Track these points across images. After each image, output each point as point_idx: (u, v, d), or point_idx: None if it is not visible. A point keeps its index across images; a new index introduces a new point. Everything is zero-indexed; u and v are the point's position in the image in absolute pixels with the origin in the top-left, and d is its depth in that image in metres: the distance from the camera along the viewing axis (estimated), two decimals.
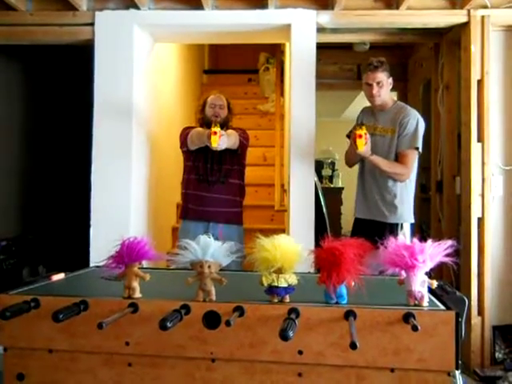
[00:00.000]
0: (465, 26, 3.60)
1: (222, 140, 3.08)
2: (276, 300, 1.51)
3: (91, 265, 2.34)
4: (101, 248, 3.42)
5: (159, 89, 4.45)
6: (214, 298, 1.53)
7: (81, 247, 3.54)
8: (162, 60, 4.67)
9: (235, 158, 3.49)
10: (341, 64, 5.07)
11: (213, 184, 3.46)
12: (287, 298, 1.52)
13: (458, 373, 1.46)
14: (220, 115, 3.53)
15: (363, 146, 3.00)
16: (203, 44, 6.92)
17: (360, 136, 3.00)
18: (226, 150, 3.32)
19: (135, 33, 3.62)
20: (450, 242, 1.55)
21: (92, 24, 3.62)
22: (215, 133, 3.02)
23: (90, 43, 3.64)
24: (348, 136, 3.34)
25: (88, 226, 3.54)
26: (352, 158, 3.37)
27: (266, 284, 1.51)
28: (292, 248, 1.53)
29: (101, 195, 3.55)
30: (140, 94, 3.71)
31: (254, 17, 3.59)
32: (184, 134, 3.50)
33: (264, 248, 1.51)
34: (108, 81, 3.58)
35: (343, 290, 1.51)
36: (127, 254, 1.58)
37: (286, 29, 3.60)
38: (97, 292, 1.70)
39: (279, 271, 1.50)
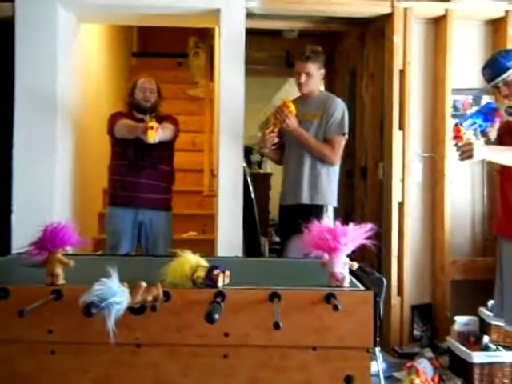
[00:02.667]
0: (388, 17, 3.72)
1: (157, 134, 3.05)
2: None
3: (13, 252, 2.26)
4: (23, 235, 3.32)
5: (85, 71, 4.32)
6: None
7: (1, 234, 3.40)
8: (88, 41, 4.53)
9: (166, 144, 3.46)
10: (270, 50, 5.10)
11: (142, 169, 3.42)
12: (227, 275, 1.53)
13: (377, 350, 1.54)
14: (150, 100, 3.50)
15: (293, 113, 3.13)
16: (132, 26, 6.76)
17: (287, 106, 3.14)
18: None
19: (59, 12, 3.48)
20: (370, 226, 1.62)
21: (12, 0, 3.45)
22: (152, 127, 3.00)
23: (10, 20, 3.46)
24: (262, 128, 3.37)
25: (9, 212, 3.41)
26: (263, 141, 3.34)
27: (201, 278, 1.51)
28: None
29: (23, 181, 3.42)
30: (64, 77, 3.58)
31: (182, 0, 3.55)
32: (112, 122, 3.44)
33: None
34: (30, 64, 3.44)
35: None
36: (50, 240, 1.54)
37: (215, 13, 3.59)
38: (18, 279, 1.65)
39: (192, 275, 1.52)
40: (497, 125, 2.63)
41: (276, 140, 3.27)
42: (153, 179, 3.45)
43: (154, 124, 3.02)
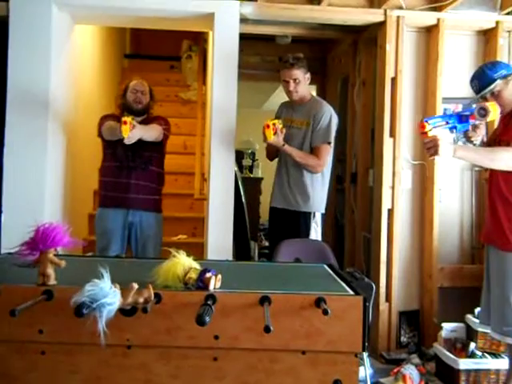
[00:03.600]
0: (381, 25, 3.76)
1: (134, 132, 3.03)
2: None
3: (3, 251, 2.25)
4: (13, 235, 3.29)
5: (78, 72, 4.31)
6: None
7: None
8: (81, 42, 4.52)
9: (156, 145, 3.48)
10: (263, 55, 5.13)
11: (133, 170, 3.42)
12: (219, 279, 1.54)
13: (365, 355, 1.56)
14: (142, 101, 3.50)
15: (272, 136, 3.19)
16: (125, 28, 6.75)
17: (268, 126, 3.18)
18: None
19: (53, 12, 3.48)
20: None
21: (6, 0, 3.44)
22: (125, 122, 2.96)
23: (4, 20, 3.45)
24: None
25: None
26: (270, 150, 3.51)
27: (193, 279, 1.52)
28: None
29: (13, 180, 3.40)
30: (58, 77, 3.57)
31: (177, 3, 3.56)
32: (100, 124, 3.47)
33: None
34: (23, 63, 3.42)
35: None
36: (42, 241, 1.54)
37: (209, 18, 3.60)
38: (9, 279, 1.65)
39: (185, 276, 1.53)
40: (481, 130, 2.67)
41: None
42: (143, 180, 3.45)
43: (127, 119, 2.98)
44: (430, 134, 2.43)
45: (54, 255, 1.57)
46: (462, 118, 2.52)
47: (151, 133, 3.35)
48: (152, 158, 3.49)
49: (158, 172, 3.56)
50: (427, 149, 2.43)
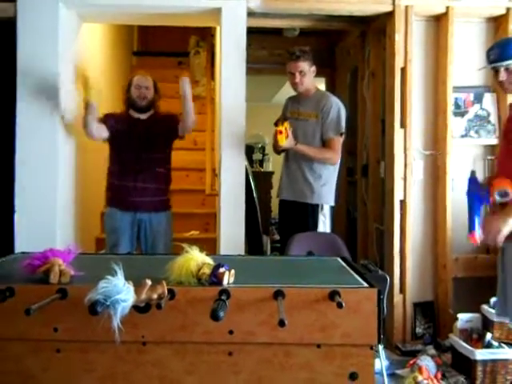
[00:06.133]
0: (390, 15, 3.72)
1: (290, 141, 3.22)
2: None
3: (16, 251, 2.27)
4: (26, 234, 3.33)
5: (86, 70, 4.32)
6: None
7: (4, 234, 3.40)
8: (89, 40, 4.52)
9: (161, 145, 3.48)
10: (271, 49, 5.11)
11: (139, 173, 3.41)
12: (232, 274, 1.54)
13: (380, 347, 1.55)
14: (146, 97, 3.48)
15: (284, 141, 3.22)
16: (132, 25, 6.76)
17: (280, 132, 3.22)
18: (153, 138, 3.39)
19: (60, 11, 3.48)
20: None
21: (14, 0, 3.45)
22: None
23: (12, 20, 3.47)
24: (275, 124, 3.39)
25: (12, 212, 3.41)
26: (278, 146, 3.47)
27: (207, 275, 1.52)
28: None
29: (26, 180, 3.42)
30: (66, 76, 3.59)
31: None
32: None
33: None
34: (32, 63, 3.43)
35: None
36: (52, 254, 1.58)
37: (217, 13, 3.59)
38: (23, 279, 1.66)
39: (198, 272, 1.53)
40: None
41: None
42: (149, 182, 3.43)
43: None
44: (478, 239, 2.43)
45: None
46: (481, 199, 2.47)
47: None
48: (158, 159, 3.48)
49: (165, 172, 3.54)
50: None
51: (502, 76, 2.46)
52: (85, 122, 3.35)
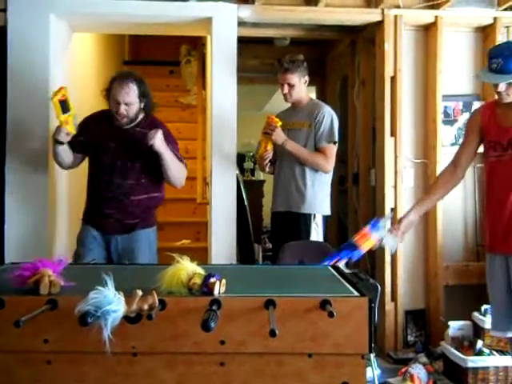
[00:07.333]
0: (379, 24, 3.75)
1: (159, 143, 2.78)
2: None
3: (6, 262, 2.25)
4: (16, 244, 3.30)
5: (77, 80, 4.32)
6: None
7: None
8: (80, 50, 4.52)
9: (146, 166, 2.95)
10: (262, 58, 5.13)
11: (111, 200, 2.96)
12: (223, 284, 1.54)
13: (372, 356, 1.55)
14: (127, 115, 2.89)
15: (270, 143, 3.23)
16: (124, 34, 6.77)
17: (275, 122, 3.21)
18: (136, 160, 2.91)
19: (51, 21, 3.48)
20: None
21: (4, 10, 3.45)
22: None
23: (3, 30, 3.46)
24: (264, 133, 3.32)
25: (2, 222, 3.39)
26: (261, 161, 3.42)
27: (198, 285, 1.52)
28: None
29: (16, 189, 3.40)
30: (56, 85, 3.57)
31: (174, 9, 3.55)
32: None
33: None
34: (22, 72, 3.42)
35: None
36: (42, 266, 1.57)
37: (207, 22, 3.60)
38: (13, 290, 1.64)
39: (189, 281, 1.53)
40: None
41: (270, 155, 3.32)
42: (123, 212, 2.96)
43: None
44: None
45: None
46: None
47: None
48: (137, 185, 2.95)
49: (149, 197, 2.99)
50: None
51: (501, 87, 2.42)
52: (54, 151, 2.97)
